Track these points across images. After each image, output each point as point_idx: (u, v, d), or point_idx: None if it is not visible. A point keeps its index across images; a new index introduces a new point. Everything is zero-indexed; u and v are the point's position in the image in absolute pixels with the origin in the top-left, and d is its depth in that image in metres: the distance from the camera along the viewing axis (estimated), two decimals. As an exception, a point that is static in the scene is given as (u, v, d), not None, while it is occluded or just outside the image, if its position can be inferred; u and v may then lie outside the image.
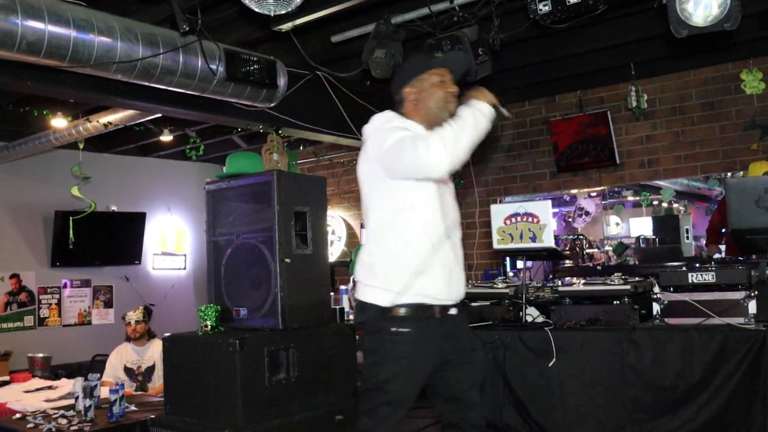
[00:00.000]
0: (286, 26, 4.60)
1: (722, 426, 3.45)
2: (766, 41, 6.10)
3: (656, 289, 4.10)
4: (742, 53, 6.30)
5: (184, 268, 9.90)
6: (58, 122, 6.81)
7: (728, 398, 3.41)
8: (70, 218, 7.90)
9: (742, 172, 6.31)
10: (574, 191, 7.75)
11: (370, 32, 4.89)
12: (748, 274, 3.69)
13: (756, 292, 3.54)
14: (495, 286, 4.66)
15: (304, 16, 4.50)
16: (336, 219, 9.36)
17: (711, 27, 3.89)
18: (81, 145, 7.24)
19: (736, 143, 6.36)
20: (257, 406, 3.47)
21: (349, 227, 9.43)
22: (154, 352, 5.61)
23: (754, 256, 3.85)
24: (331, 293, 4.90)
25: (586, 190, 7.61)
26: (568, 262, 7.37)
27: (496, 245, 4.61)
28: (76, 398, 4.15)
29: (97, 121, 6.52)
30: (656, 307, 4.01)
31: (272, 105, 5.40)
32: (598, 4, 4.10)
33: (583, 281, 4.36)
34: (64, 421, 3.91)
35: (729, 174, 6.31)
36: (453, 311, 2.93)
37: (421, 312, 2.82)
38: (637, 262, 6.89)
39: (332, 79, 5.80)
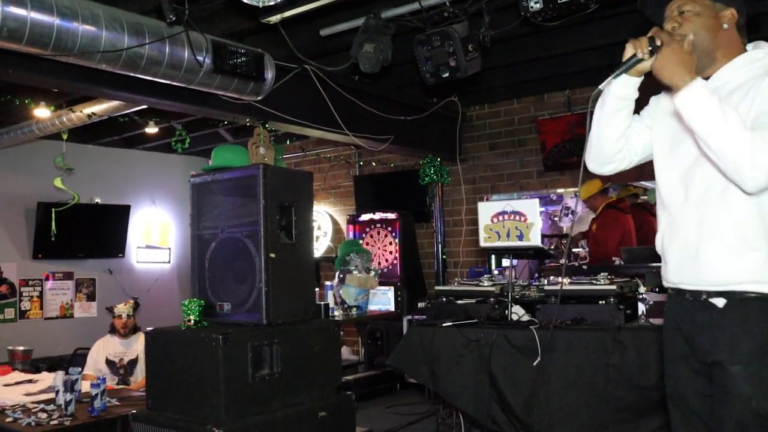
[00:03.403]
0: (275, 18, 4.56)
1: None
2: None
3: (641, 289, 4.11)
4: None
5: (169, 262, 9.84)
6: (41, 112, 6.74)
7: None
8: (53, 210, 7.82)
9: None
10: (560, 190, 7.74)
11: (359, 26, 4.86)
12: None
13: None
14: (481, 284, 4.65)
15: (292, 9, 4.45)
16: (322, 214, 9.34)
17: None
18: (64, 136, 7.17)
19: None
20: (240, 402, 3.43)
21: (335, 223, 9.40)
22: (138, 345, 5.57)
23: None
24: (316, 289, 4.87)
25: (572, 189, 7.62)
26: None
27: (482, 243, 4.60)
28: (57, 392, 4.10)
29: (81, 112, 6.45)
30: (641, 308, 4.01)
31: (259, 98, 5.36)
32: (589, 2, 4.09)
33: (569, 280, 4.35)
34: (44, 416, 3.86)
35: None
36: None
37: None
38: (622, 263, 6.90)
39: (320, 73, 5.76)
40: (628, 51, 2.28)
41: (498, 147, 8.00)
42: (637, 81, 2.35)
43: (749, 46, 2.34)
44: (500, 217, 4.51)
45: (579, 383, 3.83)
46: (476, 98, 7.86)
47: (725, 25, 2.28)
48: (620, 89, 2.37)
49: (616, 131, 2.46)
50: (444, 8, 4.67)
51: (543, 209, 8.29)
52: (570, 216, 7.75)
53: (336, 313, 5.33)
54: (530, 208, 4.45)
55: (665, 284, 2.46)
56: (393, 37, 4.95)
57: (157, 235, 9.73)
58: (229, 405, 3.38)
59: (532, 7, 4.29)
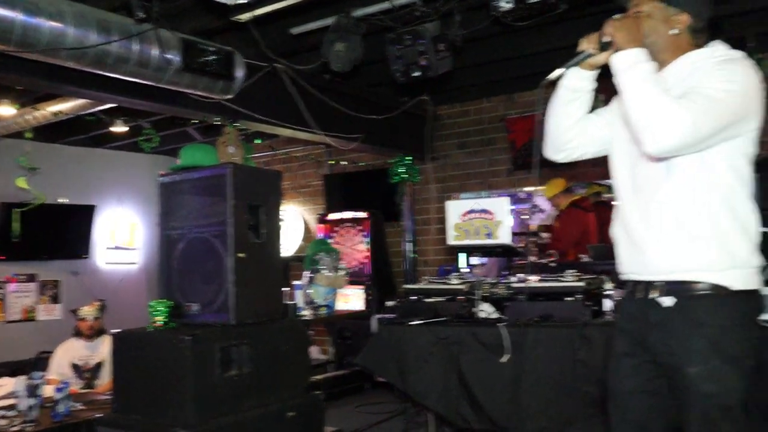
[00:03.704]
0: (245, 16, 4.53)
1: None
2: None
3: (608, 285, 4.14)
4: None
5: (136, 263, 9.73)
6: (5, 110, 6.62)
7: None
8: (16, 210, 7.69)
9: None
10: (529, 189, 7.80)
11: (330, 25, 4.85)
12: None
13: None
14: (450, 282, 4.66)
15: (263, 7, 4.43)
16: (291, 213, 9.30)
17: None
18: (29, 135, 7.05)
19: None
20: (209, 403, 3.40)
21: (304, 222, 9.37)
22: (104, 348, 5.49)
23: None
24: (285, 288, 4.86)
25: (541, 187, 7.66)
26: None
27: (451, 241, 4.61)
28: (19, 397, 4.02)
29: (47, 110, 6.36)
30: (608, 304, 4.05)
31: (229, 97, 5.32)
32: (558, 3, 4.13)
33: (537, 278, 4.38)
34: (4, 422, 3.79)
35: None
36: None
37: None
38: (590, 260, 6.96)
39: (291, 72, 5.74)
40: (582, 46, 2.40)
41: (468, 146, 8.04)
42: (589, 74, 2.47)
43: (709, 44, 2.38)
44: (469, 216, 4.53)
45: (547, 379, 3.85)
46: (446, 97, 7.89)
47: (675, 30, 2.34)
48: (572, 81, 2.49)
49: (568, 120, 2.56)
50: (415, 7, 4.69)
51: (513, 207, 8.35)
52: (539, 214, 7.80)
53: (305, 312, 5.32)
54: (500, 206, 4.48)
55: (620, 276, 2.51)
56: (364, 36, 4.95)
57: (124, 236, 9.62)
58: (197, 406, 3.35)
59: (502, 7, 4.32)
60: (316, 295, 5.40)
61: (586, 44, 2.38)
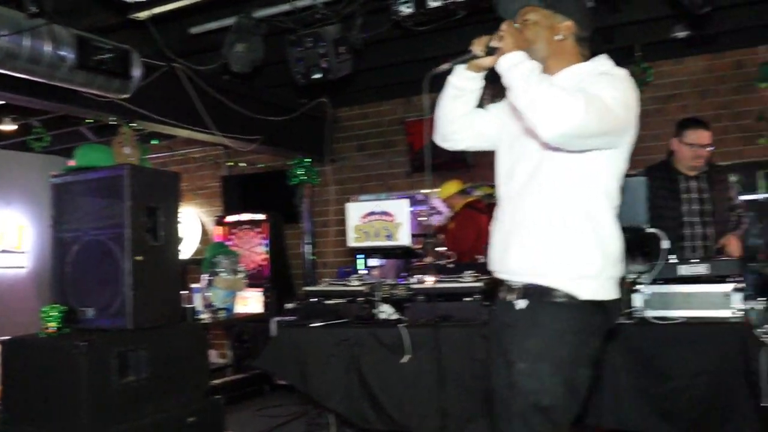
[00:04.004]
0: (143, 14, 4.44)
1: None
2: (609, 53, 6.46)
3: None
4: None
5: (24, 267, 9.33)
6: None
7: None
8: None
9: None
10: (427, 191, 7.94)
11: (230, 25, 4.80)
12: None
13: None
14: (349, 283, 4.69)
15: (162, 5, 4.37)
16: (188, 216, 9.14)
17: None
18: None
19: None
20: (105, 411, 3.33)
21: (201, 224, 9.22)
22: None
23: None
24: (183, 292, 4.78)
25: (437, 190, 7.81)
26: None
27: (351, 243, 4.64)
28: None
29: (-73, 107, 6.04)
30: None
31: (125, 96, 5.18)
32: (457, 9, 4.23)
33: (435, 279, 4.47)
34: None
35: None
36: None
37: None
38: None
39: (190, 72, 5.65)
40: (473, 47, 2.47)
41: (367, 148, 8.11)
42: (474, 75, 2.55)
43: (594, 58, 2.48)
44: (369, 218, 4.57)
45: (447, 378, 3.93)
46: (346, 99, 7.93)
47: (559, 36, 2.44)
48: (458, 80, 2.58)
49: (452, 114, 2.66)
50: (316, 10, 4.70)
51: (411, 209, 8.48)
52: (437, 216, 7.95)
53: (204, 316, 5.25)
54: (399, 208, 4.54)
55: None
56: (265, 37, 4.93)
57: (11, 239, 9.20)
58: (93, 414, 3.28)
59: (403, 12, 4.40)
60: (215, 298, 5.34)
61: (476, 46, 2.45)
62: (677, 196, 4.55)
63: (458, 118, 2.65)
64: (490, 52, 2.40)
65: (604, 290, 2.36)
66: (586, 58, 2.47)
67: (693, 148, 4.48)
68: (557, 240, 2.32)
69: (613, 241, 2.37)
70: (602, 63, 2.44)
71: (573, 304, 2.29)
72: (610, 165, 2.35)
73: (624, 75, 2.36)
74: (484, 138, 2.70)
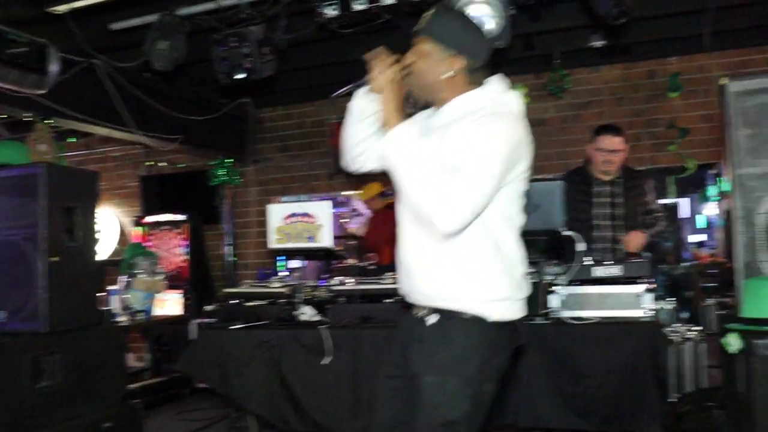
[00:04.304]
0: (62, 8, 4.34)
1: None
2: (529, 60, 6.69)
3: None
4: (508, 70, 6.82)
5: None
6: None
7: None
8: None
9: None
10: (349, 193, 7.97)
11: (153, 22, 4.72)
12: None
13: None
14: (270, 285, 4.68)
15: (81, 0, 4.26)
16: (106, 216, 8.92)
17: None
18: None
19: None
20: (17, 417, 3.23)
21: (119, 224, 9.02)
22: None
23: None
24: (100, 294, 4.68)
25: (359, 192, 7.85)
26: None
27: (273, 244, 4.63)
28: None
29: None
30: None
31: (42, 92, 5.03)
32: (381, 12, 4.28)
33: (356, 280, 4.50)
34: None
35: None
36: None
37: None
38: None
39: (109, 68, 5.52)
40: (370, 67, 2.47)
41: (289, 149, 8.09)
42: (373, 99, 2.52)
43: (486, 84, 2.48)
44: (291, 219, 4.57)
45: (368, 379, 3.96)
46: (269, 100, 7.89)
47: (449, 73, 2.41)
48: (358, 103, 2.61)
49: (356, 137, 2.64)
50: (241, 9, 4.68)
51: (333, 211, 8.49)
52: (358, 217, 7.99)
53: (121, 318, 5.15)
54: (321, 210, 4.55)
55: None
56: (187, 36, 4.87)
57: None
58: (5, 421, 3.18)
59: (327, 14, 4.42)
60: (134, 300, 5.24)
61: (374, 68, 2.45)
62: (590, 199, 4.73)
63: (362, 140, 2.63)
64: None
65: (514, 310, 2.42)
66: (480, 84, 2.47)
67: (603, 153, 4.66)
68: (464, 267, 2.34)
69: (518, 264, 2.43)
70: (492, 90, 2.45)
71: (483, 322, 2.33)
72: (506, 193, 2.36)
73: (507, 111, 2.38)
74: None
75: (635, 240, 4.60)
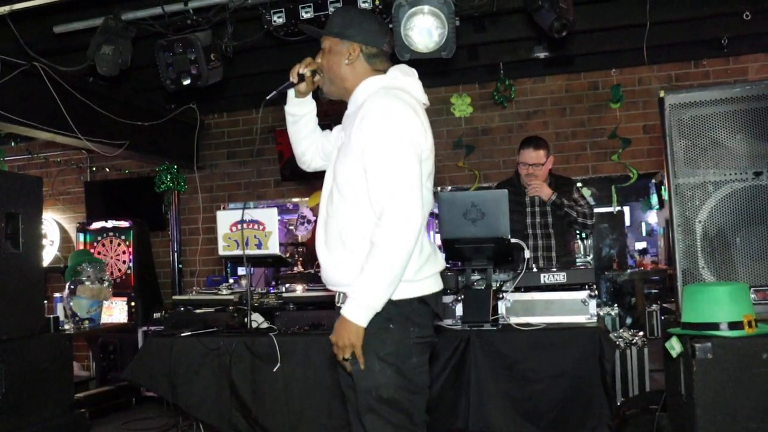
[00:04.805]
0: (3, 10, 4.25)
1: (432, 420, 3.76)
2: (474, 70, 6.80)
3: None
4: (453, 80, 6.96)
5: None
6: None
7: (439, 394, 3.70)
8: None
9: (450, 187, 6.94)
10: (296, 200, 7.97)
11: (97, 26, 4.66)
12: (455, 280, 4.06)
13: (462, 296, 3.91)
14: (219, 292, 4.67)
15: (23, 1, 4.19)
16: (49, 222, 8.74)
17: (430, 54, 4.31)
18: None
19: (445, 160, 6.95)
20: (-42, 427, 3.17)
21: (63, 231, 8.85)
22: None
23: (460, 263, 4.23)
24: (44, 301, 4.60)
25: (308, 198, 7.86)
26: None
27: (221, 252, 4.61)
28: None
29: None
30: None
31: (-20, 95, 4.94)
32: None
33: (305, 287, 4.51)
34: None
35: (440, 188, 6.87)
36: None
37: None
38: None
39: (52, 72, 5.42)
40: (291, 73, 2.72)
41: (236, 156, 8.05)
42: (300, 101, 2.80)
43: (388, 72, 2.64)
44: (239, 226, 4.55)
45: (319, 386, 3.98)
46: (216, 106, 7.85)
47: (346, 60, 2.60)
48: (289, 107, 2.87)
49: (296, 137, 2.89)
50: (187, 15, 4.65)
51: (279, 218, 8.49)
52: (306, 225, 7.99)
53: (66, 326, 5.06)
54: (268, 217, 4.55)
55: None
56: (133, 41, 4.82)
57: None
58: (-55, 431, 3.11)
59: (274, 21, 4.44)
60: (79, 308, 5.15)
61: (292, 74, 2.71)
62: (523, 209, 4.86)
63: (302, 140, 2.86)
64: (301, 78, 2.68)
65: (425, 286, 2.50)
66: (383, 71, 2.63)
67: (525, 167, 4.80)
68: (352, 251, 2.46)
69: (426, 241, 2.53)
70: (390, 80, 2.59)
71: (392, 301, 2.40)
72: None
73: (395, 108, 2.46)
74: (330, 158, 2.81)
75: (543, 189, 4.74)
